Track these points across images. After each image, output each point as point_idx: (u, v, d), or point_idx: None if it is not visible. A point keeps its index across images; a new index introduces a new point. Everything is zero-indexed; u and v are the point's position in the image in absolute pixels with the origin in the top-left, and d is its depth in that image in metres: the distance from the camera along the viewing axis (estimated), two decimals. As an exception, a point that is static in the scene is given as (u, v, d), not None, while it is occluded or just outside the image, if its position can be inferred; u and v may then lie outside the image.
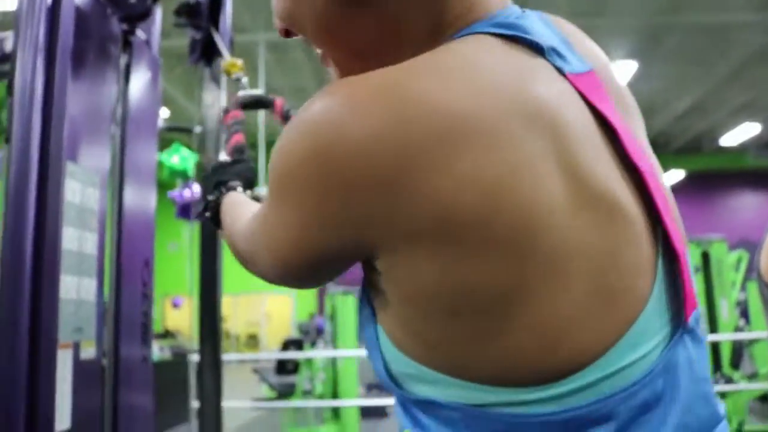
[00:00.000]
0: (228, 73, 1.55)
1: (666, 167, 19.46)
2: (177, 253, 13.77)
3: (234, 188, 1.00)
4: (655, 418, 0.52)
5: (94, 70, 1.56)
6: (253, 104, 1.41)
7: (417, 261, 0.49)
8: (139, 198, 1.77)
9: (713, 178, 20.46)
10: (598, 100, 0.56)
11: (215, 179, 1.03)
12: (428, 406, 0.55)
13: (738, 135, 17.26)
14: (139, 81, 1.79)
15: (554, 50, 0.57)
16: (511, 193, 0.47)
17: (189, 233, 4.26)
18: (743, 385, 5.70)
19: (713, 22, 11.22)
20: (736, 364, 5.88)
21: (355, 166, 0.48)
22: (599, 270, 0.51)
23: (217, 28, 1.65)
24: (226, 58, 1.59)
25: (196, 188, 4.68)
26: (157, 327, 16.01)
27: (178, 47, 9.58)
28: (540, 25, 0.59)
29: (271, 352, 8.43)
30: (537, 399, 0.51)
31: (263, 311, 18.78)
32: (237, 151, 1.22)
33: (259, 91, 1.40)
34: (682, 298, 0.55)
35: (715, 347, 6.29)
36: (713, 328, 6.30)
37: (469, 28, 0.56)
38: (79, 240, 1.43)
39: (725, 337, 5.87)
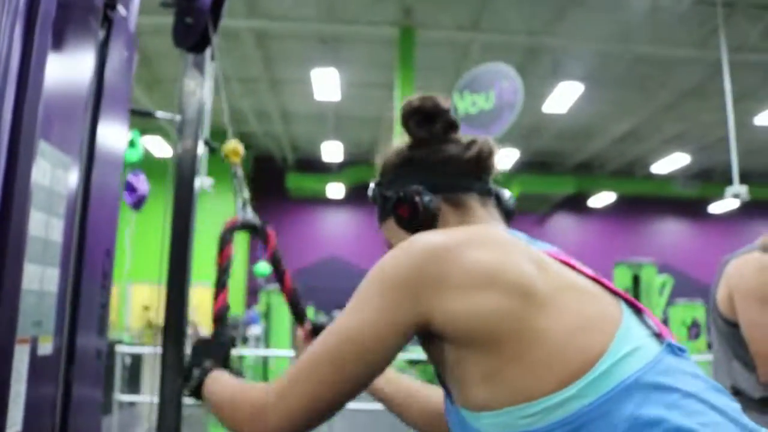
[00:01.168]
0: (227, 159, 1.48)
1: (599, 188, 20.08)
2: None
3: (210, 369, 1.22)
4: (666, 395, 0.76)
5: (73, 43, 1.45)
6: (248, 228, 1.39)
7: (458, 307, 0.82)
8: (107, 184, 1.66)
9: (642, 203, 21.22)
10: (560, 258, 0.93)
11: (194, 361, 1.28)
12: None
13: (668, 164, 17.96)
14: (116, 59, 1.68)
15: (532, 241, 0.97)
16: (508, 266, 0.84)
17: (135, 220, 4.10)
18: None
19: (658, 54, 11.64)
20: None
21: (425, 263, 0.87)
22: (580, 309, 0.82)
23: (216, 18, 1.56)
24: (230, 141, 1.50)
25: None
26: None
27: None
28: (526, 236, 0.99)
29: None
30: (574, 394, 0.75)
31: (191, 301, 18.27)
32: (219, 320, 1.34)
33: (256, 220, 1.38)
34: (655, 329, 0.86)
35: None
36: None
37: None
38: (46, 226, 1.33)
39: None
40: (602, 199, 20.76)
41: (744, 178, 8.47)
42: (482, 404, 0.82)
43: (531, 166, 19.00)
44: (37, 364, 1.30)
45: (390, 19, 11.16)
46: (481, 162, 1.05)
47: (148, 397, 7.22)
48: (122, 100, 1.77)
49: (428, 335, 0.86)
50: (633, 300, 0.89)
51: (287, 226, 18.75)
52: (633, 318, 0.85)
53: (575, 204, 21.15)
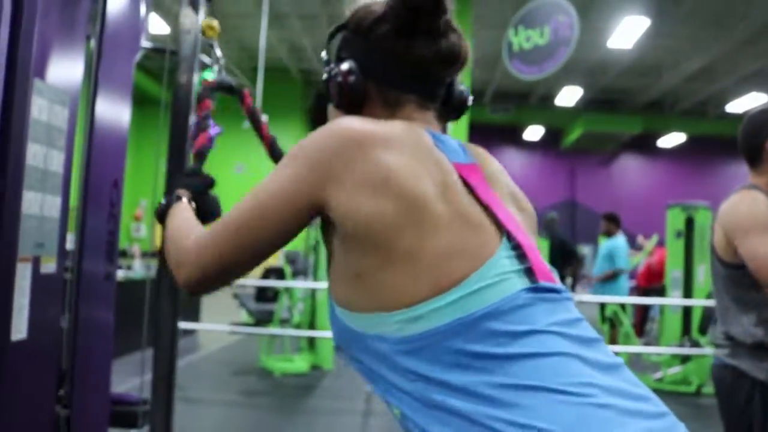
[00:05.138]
0: (204, 34, 1.59)
1: (669, 128, 19.33)
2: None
3: (180, 198, 1.25)
4: (532, 323, 0.79)
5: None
6: (224, 89, 1.52)
7: (349, 202, 0.83)
8: (112, 118, 1.77)
9: (715, 144, 20.33)
10: (468, 176, 0.91)
11: (171, 186, 1.35)
12: (370, 342, 0.83)
13: (744, 103, 17.07)
14: (119, -1, 1.77)
15: (450, 150, 0.94)
16: (410, 178, 0.83)
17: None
18: (708, 350, 5.84)
19: (733, -16, 10.95)
20: (704, 329, 6.00)
21: (334, 152, 0.86)
22: (458, 236, 0.83)
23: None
24: (206, 18, 1.63)
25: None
26: (145, 246, 16.20)
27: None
28: (450, 140, 0.97)
29: (253, 279, 8.52)
30: (432, 309, 0.78)
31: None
32: (199, 157, 1.45)
33: (231, 79, 1.51)
34: (531, 269, 0.85)
35: (687, 311, 6.41)
36: (687, 293, 6.40)
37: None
38: (44, 157, 1.45)
39: (696, 302, 5.97)
40: (672, 139, 20.01)
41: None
42: (344, 302, 0.86)
43: (596, 104, 18.42)
44: (40, 281, 1.46)
45: (449, -49, 10.84)
46: (440, 63, 0.98)
47: (208, 324, 7.63)
48: (131, 35, 1.86)
49: (326, 221, 0.89)
50: (519, 236, 0.87)
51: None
52: (508, 254, 0.84)
53: (643, 144, 20.47)
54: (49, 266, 1.49)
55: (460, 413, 0.75)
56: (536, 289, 0.83)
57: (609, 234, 7.20)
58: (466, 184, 0.90)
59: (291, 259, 8.71)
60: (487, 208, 0.89)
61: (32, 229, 1.42)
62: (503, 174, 1.02)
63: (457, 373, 0.77)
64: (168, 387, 1.55)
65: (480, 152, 1.01)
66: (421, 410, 0.79)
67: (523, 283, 0.82)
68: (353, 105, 0.99)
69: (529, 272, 0.84)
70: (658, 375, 6.02)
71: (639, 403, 0.77)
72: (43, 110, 1.43)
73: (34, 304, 1.43)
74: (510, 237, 0.87)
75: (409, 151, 0.87)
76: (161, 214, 1.25)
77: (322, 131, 0.89)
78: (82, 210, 1.68)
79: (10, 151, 1.34)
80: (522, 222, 0.94)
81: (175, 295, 1.58)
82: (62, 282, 1.56)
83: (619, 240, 7.15)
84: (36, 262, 1.44)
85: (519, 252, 0.86)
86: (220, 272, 0.92)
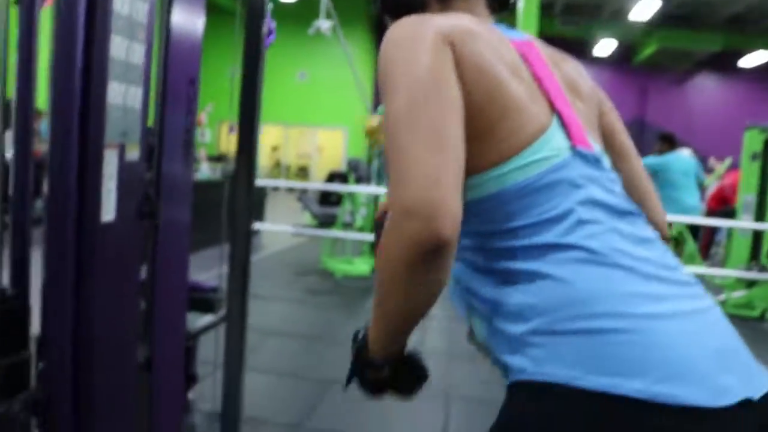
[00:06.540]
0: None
1: (752, 47, 18.23)
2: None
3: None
4: (572, 191, 0.86)
5: None
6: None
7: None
8: (188, 17, 1.81)
9: (802, 63, 19.14)
10: (524, 52, 0.96)
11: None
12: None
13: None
14: None
15: (506, 31, 1.00)
16: (490, 61, 0.88)
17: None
18: (774, 276, 5.73)
19: None
20: (773, 255, 5.86)
21: (442, 31, 0.87)
22: (526, 107, 0.89)
23: None
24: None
25: None
26: (211, 150, 16.59)
27: None
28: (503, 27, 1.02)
29: (317, 183, 8.65)
30: (513, 168, 0.85)
31: (315, 144, 19.13)
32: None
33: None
34: (570, 136, 0.91)
35: (758, 236, 6.25)
36: (760, 216, 6.22)
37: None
38: (127, 49, 1.51)
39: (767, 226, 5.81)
40: (755, 58, 18.87)
41: None
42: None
43: (673, 18, 17.43)
44: (126, 167, 1.55)
45: None
46: None
47: (273, 225, 7.89)
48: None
49: None
50: (562, 108, 0.93)
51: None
52: (558, 131, 0.90)
53: (722, 63, 19.42)
54: (133, 153, 1.58)
55: (496, 270, 0.85)
56: (577, 156, 0.90)
57: (660, 153, 6.80)
58: (524, 60, 0.95)
59: (353, 166, 8.76)
60: (540, 83, 0.94)
61: (117, 118, 1.50)
62: (560, 57, 1.06)
63: (504, 238, 0.85)
64: (243, 275, 1.65)
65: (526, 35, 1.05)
66: (470, 271, 0.89)
67: (566, 154, 0.89)
68: (413, 13, 0.99)
69: (569, 138, 0.91)
70: (721, 298, 5.96)
71: (666, 271, 0.83)
72: (124, 3, 1.48)
73: (120, 188, 1.53)
74: (554, 108, 0.92)
75: (485, 37, 0.91)
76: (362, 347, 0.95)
77: (411, 20, 0.89)
78: (160, 104, 1.75)
79: (95, 43, 1.40)
80: (573, 101, 0.99)
81: (249, 194, 1.65)
82: (145, 169, 1.64)
83: (668, 157, 6.69)
84: (121, 149, 1.52)
85: (561, 121, 0.92)
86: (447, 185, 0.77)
